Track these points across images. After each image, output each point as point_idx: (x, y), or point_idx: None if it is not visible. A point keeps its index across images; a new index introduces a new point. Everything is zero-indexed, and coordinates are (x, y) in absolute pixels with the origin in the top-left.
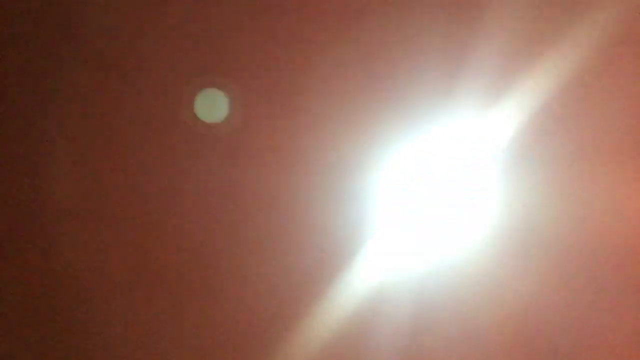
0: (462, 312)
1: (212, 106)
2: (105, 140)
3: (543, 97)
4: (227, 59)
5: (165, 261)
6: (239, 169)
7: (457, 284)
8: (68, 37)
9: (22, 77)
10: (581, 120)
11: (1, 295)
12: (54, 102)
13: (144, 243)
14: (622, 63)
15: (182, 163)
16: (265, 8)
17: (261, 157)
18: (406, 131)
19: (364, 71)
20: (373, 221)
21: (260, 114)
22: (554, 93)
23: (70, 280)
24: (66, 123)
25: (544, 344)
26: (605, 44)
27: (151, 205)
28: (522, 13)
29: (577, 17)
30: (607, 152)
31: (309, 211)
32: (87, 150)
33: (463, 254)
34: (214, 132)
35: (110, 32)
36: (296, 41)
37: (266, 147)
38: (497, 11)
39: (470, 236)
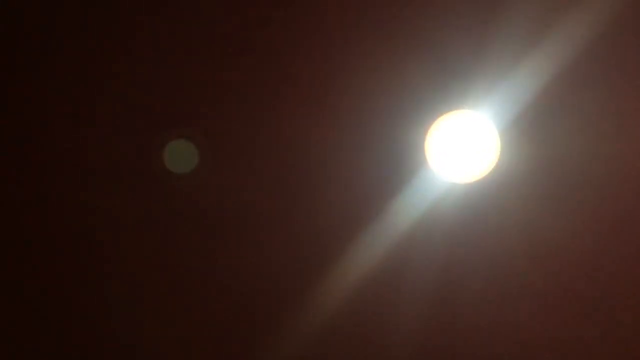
0: (494, 253)
1: (181, 156)
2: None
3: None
4: (197, 110)
5: None
6: None
7: (488, 225)
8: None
9: None
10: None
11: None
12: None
13: None
14: None
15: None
16: (238, 61)
17: None
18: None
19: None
20: (407, 169)
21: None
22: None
23: None
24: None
25: (575, 285)
26: None
27: None
28: None
29: None
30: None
31: None
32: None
33: (495, 194)
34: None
35: (80, 79)
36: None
37: None
38: None
39: (501, 178)
